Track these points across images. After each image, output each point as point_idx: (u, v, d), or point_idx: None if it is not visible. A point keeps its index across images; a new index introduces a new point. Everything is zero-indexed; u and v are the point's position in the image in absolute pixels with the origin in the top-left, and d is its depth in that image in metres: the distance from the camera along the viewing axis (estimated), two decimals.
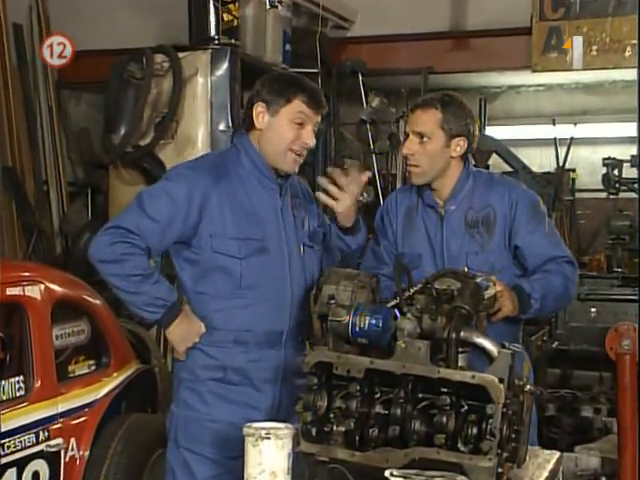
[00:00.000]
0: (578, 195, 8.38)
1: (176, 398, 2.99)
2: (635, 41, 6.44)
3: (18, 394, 3.42)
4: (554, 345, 6.41)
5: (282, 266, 2.91)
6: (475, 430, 2.18)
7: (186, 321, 2.90)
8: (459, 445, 2.19)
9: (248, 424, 2.16)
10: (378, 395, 2.31)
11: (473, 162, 3.26)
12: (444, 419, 2.18)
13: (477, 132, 3.14)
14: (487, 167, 7.29)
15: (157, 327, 5.51)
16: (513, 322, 3.01)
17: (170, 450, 2.98)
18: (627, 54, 6.62)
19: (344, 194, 3.02)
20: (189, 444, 2.91)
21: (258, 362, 2.90)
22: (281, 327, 2.91)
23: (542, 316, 3.28)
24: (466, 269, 2.72)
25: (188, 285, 2.93)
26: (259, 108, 2.90)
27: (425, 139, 3.04)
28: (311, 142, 2.92)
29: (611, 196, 7.60)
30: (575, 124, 8.39)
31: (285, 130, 2.89)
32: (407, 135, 3.11)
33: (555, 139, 8.37)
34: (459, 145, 3.07)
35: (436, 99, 3.06)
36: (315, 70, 6.69)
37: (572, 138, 8.26)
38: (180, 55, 5.67)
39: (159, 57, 5.73)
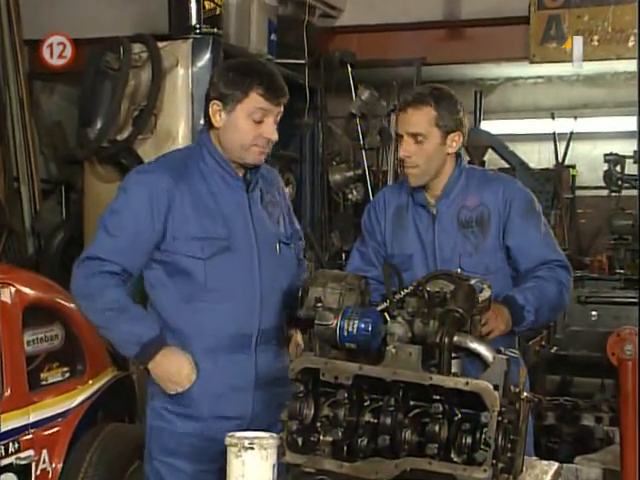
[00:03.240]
0: (578, 193, 8.41)
1: (149, 408, 3.01)
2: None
3: None
4: (553, 350, 6.43)
5: (250, 265, 2.89)
6: (469, 440, 2.19)
7: (169, 360, 2.86)
8: (452, 455, 2.20)
9: (231, 433, 2.16)
10: (367, 403, 2.32)
11: (468, 158, 3.27)
12: (436, 428, 2.19)
13: (467, 124, 3.15)
14: (483, 163, 7.33)
15: None
16: None
17: (146, 460, 3.02)
18: (630, 44, 6.65)
19: None
20: (162, 455, 2.95)
21: (226, 368, 2.89)
22: (250, 330, 2.90)
23: (536, 328, 3.28)
24: (459, 270, 2.73)
25: (154, 285, 2.93)
26: (214, 106, 2.88)
27: (420, 139, 3.03)
28: (274, 137, 2.88)
29: (613, 194, 7.62)
30: (575, 118, 8.41)
31: (244, 128, 2.85)
32: (399, 136, 3.09)
33: (554, 134, 8.39)
34: (454, 141, 3.08)
35: (427, 95, 3.04)
36: (302, 61, 6.70)
37: (572, 133, 8.29)
38: (159, 45, 5.66)
39: (137, 47, 5.71)
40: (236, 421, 2.87)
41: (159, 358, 2.85)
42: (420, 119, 3.03)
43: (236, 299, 2.87)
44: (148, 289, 2.96)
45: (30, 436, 3.53)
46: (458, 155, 3.14)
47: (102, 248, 2.85)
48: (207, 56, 5.67)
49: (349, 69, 6.96)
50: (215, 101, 2.88)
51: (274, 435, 2.18)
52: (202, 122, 3.08)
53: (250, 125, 2.85)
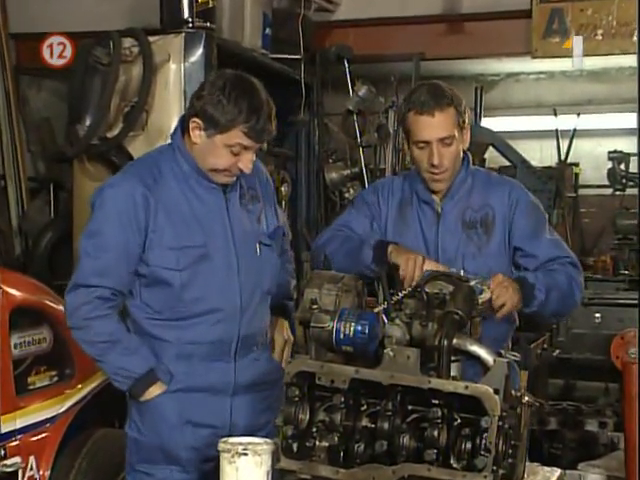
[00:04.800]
0: (581, 191, 8.42)
1: (128, 419, 3.02)
2: None
3: None
4: (555, 353, 6.44)
5: (229, 272, 2.87)
6: (469, 445, 2.19)
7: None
8: (451, 461, 2.21)
9: (224, 439, 2.17)
10: (364, 407, 2.32)
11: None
12: (435, 433, 2.20)
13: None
14: (483, 161, 7.33)
15: None
16: (507, 323, 3.02)
17: (127, 472, 3.03)
18: (635, 38, 6.64)
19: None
20: (145, 466, 2.95)
21: (204, 376, 2.88)
22: (229, 338, 2.89)
23: (545, 316, 3.26)
24: (462, 272, 2.73)
25: (129, 295, 2.91)
26: (194, 123, 2.81)
27: (448, 141, 3.01)
28: (247, 170, 2.84)
29: (617, 192, 7.64)
30: (578, 114, 8.43)
31: (219, 156, 2.81)
32: (421, 142, 3.02)
33: (557, 131, 8.41)
34: (467, 134, 3.09)
35: (445, 95, 3.00)
36: (298, 56, 6.69)
37: (575, 130, 8.30)
38: (151, 39, 5.64)
39: (128, 41, 5.70)
40: (212, 429, 2.87)
41: (152, 392, 2.88)
42: (447, 121, 3.00)
43: (215, 308, 2.86)
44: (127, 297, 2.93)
45: (17, 442, 3.52)
46: (465, 154, 3.14)
47: (86, 273, 2.82)
48: (200, 51, 5.66)
49: (346, 64, 6.94)
50: (197, 119, 2.80)
51: (268, 441, 2.18)
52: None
53: (227, 155, 2.80)
